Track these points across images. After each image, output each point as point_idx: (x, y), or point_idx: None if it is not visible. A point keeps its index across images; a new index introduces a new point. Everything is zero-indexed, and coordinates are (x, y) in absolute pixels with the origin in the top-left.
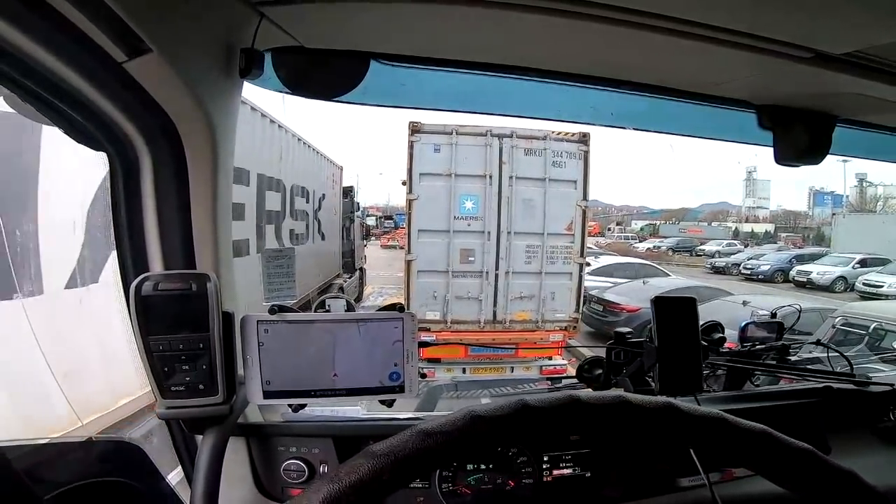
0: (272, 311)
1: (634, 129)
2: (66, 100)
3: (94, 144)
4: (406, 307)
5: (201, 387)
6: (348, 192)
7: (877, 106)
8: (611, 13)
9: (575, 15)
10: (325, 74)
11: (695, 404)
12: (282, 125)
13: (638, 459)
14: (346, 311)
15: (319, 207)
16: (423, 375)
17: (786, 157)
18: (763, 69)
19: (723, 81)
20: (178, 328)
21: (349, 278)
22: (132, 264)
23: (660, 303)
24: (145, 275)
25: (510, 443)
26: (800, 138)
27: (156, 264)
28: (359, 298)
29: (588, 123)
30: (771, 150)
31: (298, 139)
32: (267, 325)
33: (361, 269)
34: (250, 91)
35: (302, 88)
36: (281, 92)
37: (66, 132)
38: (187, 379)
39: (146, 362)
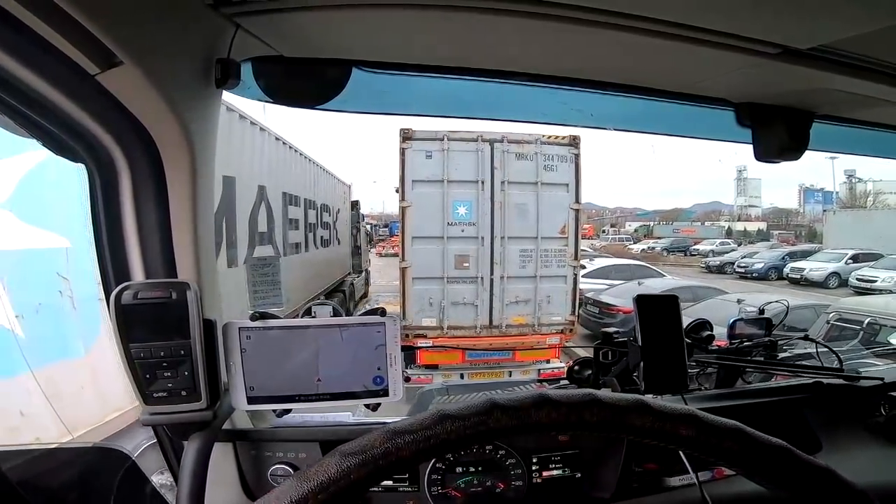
0: (253, 317)
1: (615, 129)
2: (42, 112)
3: (72, 156)
4: (402, 314)
5: (184, 393)
6: (355, 205)
7: (851, 101)
8: (587, 15)
9: (552, 18)
10: (307, 83)
11: (667, 402)
12: (315, 161)
13: (627, 460)
14: (331, 317)
15: (336, 219)
16: (408, 379)
17: (765, 153)
18: (735, 66)
19: (699, 80)
20: (159, 336)
21: (358, 277)
22: (113, 274)
23: (642, 301)
24: (125, 284)
25: (480, 442)
26: (778, 135)
27: (137, 274)
28: (365, 295)
29: (570, 125)
30: (751, 147)
31: (323, 169)
32: (249, 332)
33: (367, 271)
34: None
35: (283, 97)
36: (262, 101)
37: (43, 144)
38: (169, 385)
39: (128, 369)
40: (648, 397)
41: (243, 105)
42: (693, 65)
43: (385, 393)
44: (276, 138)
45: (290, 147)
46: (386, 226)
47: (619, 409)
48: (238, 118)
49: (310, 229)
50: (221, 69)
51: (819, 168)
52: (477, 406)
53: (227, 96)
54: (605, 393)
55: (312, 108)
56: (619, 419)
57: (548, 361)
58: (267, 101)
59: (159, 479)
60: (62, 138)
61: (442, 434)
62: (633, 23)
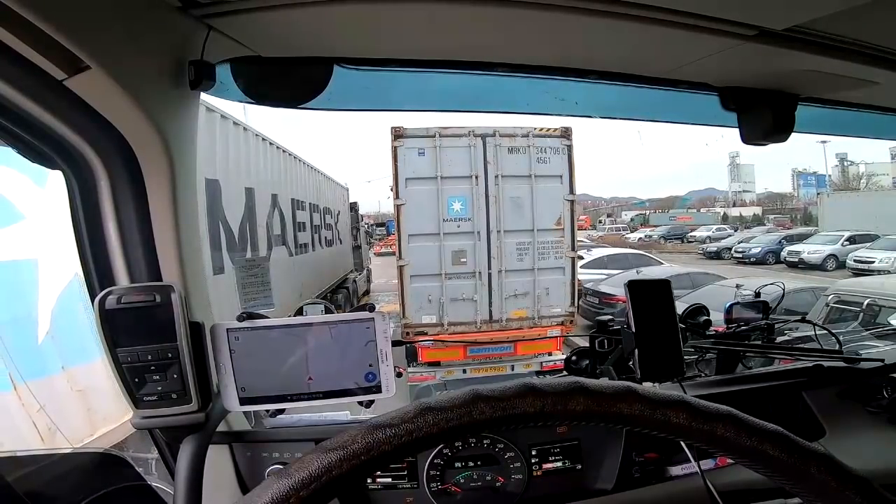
0: (240, 318)
1: (601, 117)
2: (14, 120)
3: (49, 163)
4: (402, 313)
5: (174, 396)
6: (353, 207)
7: (832, 82)
8: (566, 1)
9: (532, 6)
10: (287, 83)
11: (657, 389)
12: (317, 168)
13: (627, 449)
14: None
15: (338, 220)
16: (399, 374)
17: (752, 137)
18: (713, 49)
19: (679, 65)
20: (146, 339)
21: (359, 275)
22: (97, 279)
23: (634, 287)
24: (109, 289)
25: (464, 434)
26: (763, 118)
27: (121, 278)
28: (367, 292)
29: (555, 114)
30: (737, 130)
31: (325, 175)
32: (237, 333)
33: (368, 269)
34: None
35: (264, 98)
36: (243, 102)
37: (19, 152)
38: (159, 388)
39: (116, 374)
40: (640, 384)
41: (252, 120)
42: (672, 49)
43: (378, 389)
44: (285, 151)
45: (296, 158)
46: (382, 224)
47: (607, 397)
48: (253, 136)
49: (315, 231)
50: (195, 71)
51: (811, 151)
52: (460, 397)
53: (232, 108)
54: (591, 381)
55: (294, 107)
56: (606, 407)
57: (549, 354)
58: (247, 102)
59: (158, 482)
60: (37, 145)
61: (424, 427)
62: (612, 8)
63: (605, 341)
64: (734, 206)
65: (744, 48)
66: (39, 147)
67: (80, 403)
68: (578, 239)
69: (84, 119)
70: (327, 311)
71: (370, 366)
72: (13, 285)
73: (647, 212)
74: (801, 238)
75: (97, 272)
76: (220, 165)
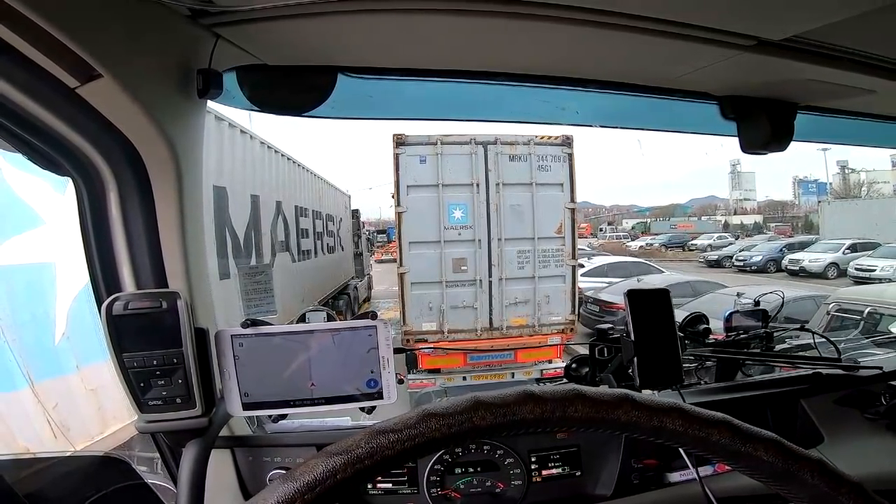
0: (245, 324)
1: (601, 126)
2: (25, 126)
3: (58, 169)
4: (402, 320)
5: (178, 400)
6: (355, 214)
7: (831, 91)
8: (567, 13)
9: (534, 18)
10: (292, 91)
11: (654, 396)
12: (320, 176)
13: (626, 456)
14: (323, 322)
15: (340, 227)
16: (401, 381)
17: (751, 145)
18: (713, 59)
19: (679, 75)
20: (152, 345)
21: (361, 281)
22: (104, 285)
23: (633, 296)
24: (116, 295)
25: (465, 439)
26: (762, 127)
27: (128, 284)
28: (368, 299)
29: (555, 123)
30: (737, 139)
31: (327, 182)
32: (241, 339)
33: (369, 275)
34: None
35: (268, 106)
36: (248, 110)
37: (29, 158)
38: (164, 393)
39: (122, 378)
40: (636, 392)
41: (255, 126)
42: (671, 60)
43: (379, 396)
44: (289, 158)
45: (300, 165)
46: (382, 231)
47: (604, 405)
48: (259, 144)
49: (318, 237)
50: (203, 80)
51: (812, 159)
52: (461, 404)
53: (236, 115)
54: (589, 388)
55: (298, 115)
56: (603, 414)
57: (550, 361)
58: (252, 110)
59: (160, 486)
60: (47, 152)
61: (426, 432)
62: (611, 19)
63: (605, 349)
64: (735, 213)
65: (742, 58)
66: (49, 153)
67: (93, 401)
68: (579, 247)
69: (94, 126)
70: (329, 318)
71: (372, 372)
72: (33, 287)
73: (648, 219)
74: (802, 246)
75: (104, 278)
76: (226, 172)
